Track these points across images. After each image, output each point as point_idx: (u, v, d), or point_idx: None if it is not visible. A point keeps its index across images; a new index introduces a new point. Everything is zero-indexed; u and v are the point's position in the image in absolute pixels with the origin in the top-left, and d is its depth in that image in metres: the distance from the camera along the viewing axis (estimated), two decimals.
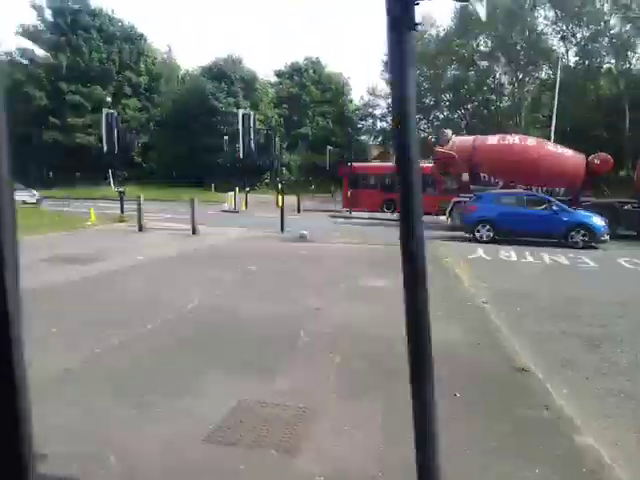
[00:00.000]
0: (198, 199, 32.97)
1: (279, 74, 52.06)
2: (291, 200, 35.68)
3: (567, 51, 40.16)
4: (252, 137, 14.90)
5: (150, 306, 6.43)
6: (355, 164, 26.39)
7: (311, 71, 51.11)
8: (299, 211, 25.69)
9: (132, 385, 4.01)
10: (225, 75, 39.00)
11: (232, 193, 26.38)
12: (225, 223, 18.77)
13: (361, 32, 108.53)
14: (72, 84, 34.23)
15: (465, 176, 17.62)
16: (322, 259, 10.69)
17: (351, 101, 54.80)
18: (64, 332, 5.31)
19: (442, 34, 46.48)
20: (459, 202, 17.66)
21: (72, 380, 4.10)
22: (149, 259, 10.27)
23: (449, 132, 18.61)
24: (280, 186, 36.71)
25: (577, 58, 38.33)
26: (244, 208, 26.35)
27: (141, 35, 38.88)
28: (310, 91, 49.02)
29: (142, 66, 38.27)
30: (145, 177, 39.42)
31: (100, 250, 11.36)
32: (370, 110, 57.12)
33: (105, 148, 17.35)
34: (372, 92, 58.16)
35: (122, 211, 17.49)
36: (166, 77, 40.68)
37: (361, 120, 57.59)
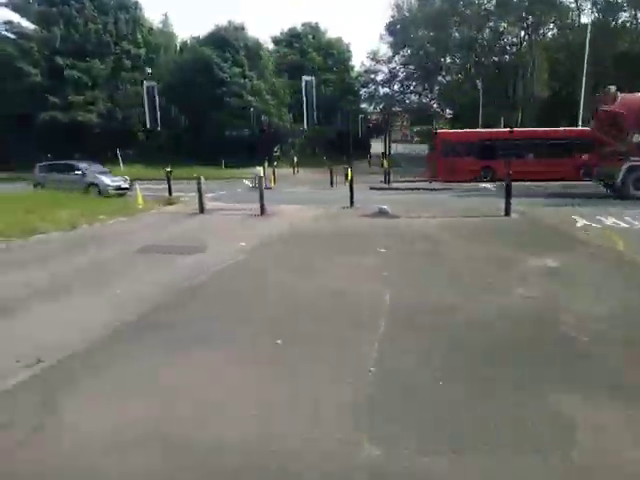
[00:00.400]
0: (211, 176, 31.54)
1: (276, 41, 49.77)
2: (307, 175, 34.74)
3: (579, 7, 39.04)
4: (315, 106, 13.55)
5: (340, 301, 5.49)
6: (447, 131, 25.54)
7: (310, 37, 48.95)
8: (332, 184, 24.60)
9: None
10: (228, 43, 36.82)
11: (261, 168, 24.97)
12: (271, 201, 17.49)
13: None
14: (68, 58, 31.87)
15: (637, 137, 16.04)
16: (434, 237, 9.75)
17: (352, 68, 52.95)
18: (299, 343, 4.35)
19: None
20: (635, 166, 16.02)
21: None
22: (253, 245, 9.24)
23: (613, 88, 17.07)
24: (295, 159, 35.77)
25: (594, 15, 37.24)
26: (273, 184, 25.09)
27: (136, 3, 36.27)
28: (312, 58, 46.97)
29: (139, 36, 35.86)
30: (150, 155, 37.54)
31: (186, 237, 10.29)
32: (372, 76, 55.49)
33: (148, 124, 15.91)
34: (373, 57, 56.42)
35: (170, 193, 16.22)
36: (164, 48, 38.30)
37: (362, 87, 55.88)
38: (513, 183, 12.09)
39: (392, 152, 57.26)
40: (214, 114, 36.24)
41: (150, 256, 8.41)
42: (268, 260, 7.97)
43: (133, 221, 12.78)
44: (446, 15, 45.19)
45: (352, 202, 14.45)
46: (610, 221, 11.73)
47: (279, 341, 4.43)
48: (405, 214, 12.94)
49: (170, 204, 15.52)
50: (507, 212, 11.98)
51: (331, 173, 24.52)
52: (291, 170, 35.46)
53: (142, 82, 36.24)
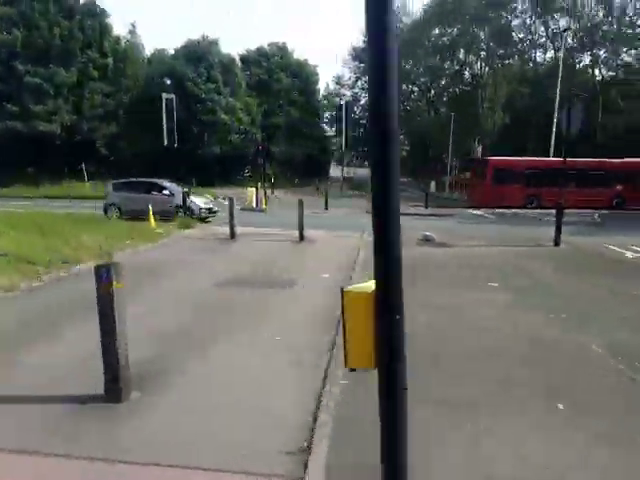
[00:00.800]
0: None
1: (244, 59, 49.05)
2: (285, 197, 33.85)
3: (537, 45, 41.82)
4: (349, 127, 13.09)
5: (551, 352, 4.93)
6: (497, 158, 25.81)
7: (278, 57, 48.70)
8: (327, 207, 23.99)
9: None
10: (203, 58, 35.65)
11: (253, 189, 24.01)
12: (280, 225, 16.34)
13: (323, 18, 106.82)
14: (30, 65, 29.28)
15: None
16: (521, 268, 9.44)
17: (319, 91, 53.19)
18: None
19: (417, 23, 46.28)
20: None
21: None
22: (339, 277, 8.46)
23: None
24: (273, 180, 34.93)
25: (553, 53, 40.06)
26: (265, 206, 24.05)
27: (103, 9, 34.24)
28: (280, 78, 46.66)
29: (106, 45, 33.75)
30: (113, 171, 35.19)
31: (250, 268, 9.28)
32: (337, 99, 56.07)
33: (165, 141, 14.61)
34: (338, 82, 57.24)
35: (185, 214, 14.92)
36: (132, 59, 36.35)
37: (326, 110, 56.29)
38: (535, 210, 12.21)
39: (352, 176, 57.81)
40: (186, 130, 34.68)
41: (240, 291, 7.43)
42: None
43: (165, 248, 11.49)
44: (411, 45, 46.71)
45: None
46: None
47: (560, 406, 3.78)
48: (451, 242, 12.65)
49: (186, 227, 14.23)
50: (557, 242, 11.99)
51: (326, 196, 23.92)
52: (267, 192, 34.48)
53: (107, 95, 34.57)
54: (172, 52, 38.06)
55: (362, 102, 57.91)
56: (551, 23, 38.92)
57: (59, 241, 10.10)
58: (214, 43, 37.25)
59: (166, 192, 16.66)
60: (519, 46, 42.48)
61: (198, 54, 36.22)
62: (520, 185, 23.79)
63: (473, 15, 41.52)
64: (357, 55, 53.80)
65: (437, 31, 47.02)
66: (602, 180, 23.22)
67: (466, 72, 45.74)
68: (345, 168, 64.52)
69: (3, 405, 3.81)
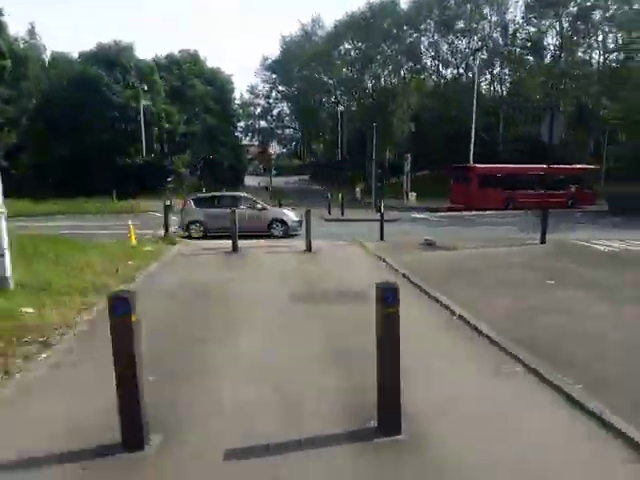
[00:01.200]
0: (115, 210, 27.39)
1: (156, 65, 46.41)
2: None
3: (443, 62, 45.38)
4: (345, 136, 13.12)
5: None
6: (480, 165, 27.87)
7: (191, 65, 46.90)
8: None
9: None
10: (117, 63, 33.06)
11: None
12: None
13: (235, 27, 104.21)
14: None
15: None
16: (548, 266, 10.07)
17: (234, 100, 52.16)
18: None
19: (330, 35, 47.47)
20: None
21: None
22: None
23: None
24: (204, 190, 33.43)
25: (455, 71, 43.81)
26: None
27: None
28: (194, 85, 44.99)
29: (2, 45, 29.72)
30: (15, 186, 31.01)
31: (301, 282, 8.81)
32: (251, 109, 55.46)
33: (144, 153, 13.22)
34: (252, 91, 56.60)
35: (167, 230, 13.62)
36: (33, 61, 32.42)
37: (240, 120, 55.43)
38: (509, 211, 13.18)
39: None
40: (101, 139, 31.79)
41: (325, 307, 7.08)
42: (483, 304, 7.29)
43: (176, 267, 10.44)
44: (325, 56, 47.86)
45: (382, 236, 14.14)
46: (616, 244, 13.61)
47: None
48: (449, 245, 13.09)
49: (172, 243, 13.05)
50: (543, 240, 13.09)
51: (279, 205, 23.40)
52: None
53: (6, 101, 30.45)
54: (76, 55, 34.84)
55: (274, 112, 58.04)
56: (456, 42, 42.47)
57: (69, 267, 8.74)
58: (129, 47, 34.76)
59: (258, 206, 15.41)
60: (427, 62, 45.70)
61: (110, 58, 33.53)
62: (499, 189, 26.19)
63: (384, 32, 43.83)
64: (270, 65, 53.81)
65: (348, 45, 48.65)
66: (561, 183, 25.76)
67: (377, 84, 47.83)
68: (258, 177, 63.67)
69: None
